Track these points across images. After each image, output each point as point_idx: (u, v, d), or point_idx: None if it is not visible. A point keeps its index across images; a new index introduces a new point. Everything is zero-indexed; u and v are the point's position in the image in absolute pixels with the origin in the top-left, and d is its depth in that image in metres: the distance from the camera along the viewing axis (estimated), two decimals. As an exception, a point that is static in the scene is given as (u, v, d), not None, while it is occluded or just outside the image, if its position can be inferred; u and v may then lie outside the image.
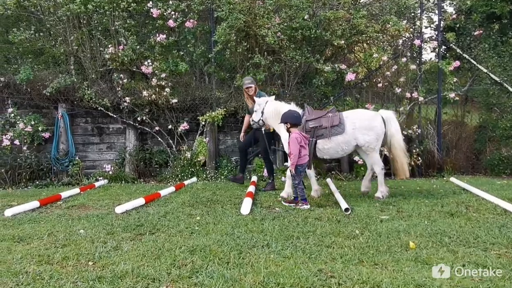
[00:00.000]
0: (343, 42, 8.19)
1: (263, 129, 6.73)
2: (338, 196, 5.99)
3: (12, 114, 8.46)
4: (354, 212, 5.17)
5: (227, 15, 7.95)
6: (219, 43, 8.14)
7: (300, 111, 6.10)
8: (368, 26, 8.20)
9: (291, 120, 5.60)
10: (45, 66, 9.05)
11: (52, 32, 8.78)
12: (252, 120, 6.62)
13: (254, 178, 7.94)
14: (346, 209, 5.16)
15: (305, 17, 8.12)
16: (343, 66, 8.37)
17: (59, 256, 3.56)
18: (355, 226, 4.50)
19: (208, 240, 3.99)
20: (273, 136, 7.15)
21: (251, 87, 7.11)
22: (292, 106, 6.22)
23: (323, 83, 8.43)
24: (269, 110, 6.28)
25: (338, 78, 8.63)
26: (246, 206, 5.31)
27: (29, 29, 8.46)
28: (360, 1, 9.50)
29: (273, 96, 6.66)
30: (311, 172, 6.33)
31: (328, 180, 7.87)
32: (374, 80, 8.76)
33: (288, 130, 5.67)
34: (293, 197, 5.92)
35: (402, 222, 4.61)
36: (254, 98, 6.77)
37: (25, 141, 8.39)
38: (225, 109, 8.42)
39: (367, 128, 5.94)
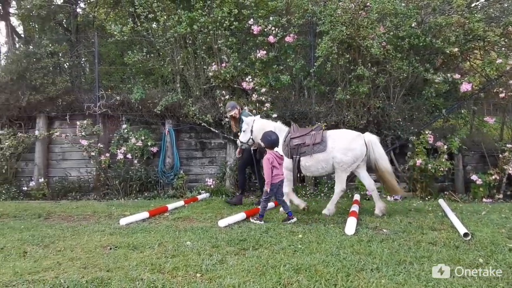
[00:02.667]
0: (456, 49, 7.52)
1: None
2: (454, 219, 5.42)
3: (126, 130, 9.15)
4: (475, 238, 4.60)
5: (329, 28, 7.76)
6: (321, 57, 7.96)
7: (286, 128, 6.37)
8: (487, 30, 7.40)
9: (264, 141, 5.79)
10: (154, 85, 9.68)
11: (161, 53, 9.39)
12: (240, 141, 6.73)
13: (357, 197, 7.54)
14: (466, 234, 4.63)
15: (413, 25, 7.63)
16: (457, 76, 7.65)
17: (169, 266, 3.63)
18: (478, 253, 3.99)
19: (313, 259, 3.81)
20: (256, 154, 7.19)
21: (233, 112, 7.33)
22: (278, 124, 6.47)
23: (434, 94, 7.78)
24: (257, 128, 6.44)
25: (450, 89, 7.90)
26: (350, 226, 5.03)
27: (141, 51, 9.14)
28: (476, 4, 8.66)
29: (259, 116, 6.87)
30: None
31: (441, 201, 7.18)
32: (495, 90, 7.86)
33: (265, 149, 5.84)
34: (287, 213, 5.79)
35: (539, 253, 3.98)
36: (242, 117, 6.87)
37: (136, 155, 8.99)
38: (325, 123, 8.17)
39: (346, 148, 5.92)
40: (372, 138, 6.10)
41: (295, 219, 5.66)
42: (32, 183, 9.30)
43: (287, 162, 6.12)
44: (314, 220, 5.71)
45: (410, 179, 8.23)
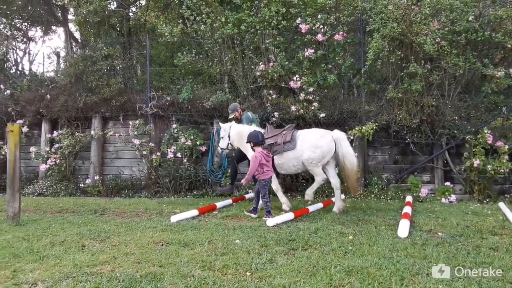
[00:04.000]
0: (519, 43, 7.06)
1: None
2: (517, 223, 5.08)
3: (176, 130, 9.37)
4: (542, 245, 4.27)
5: (379, 25, 7.54)
6: (371, 54, 7.75)
7: (261, 130, 6.53)
8: (555, 21, 6.91)
9: (252, 140, 6.12)
10: (202, 86, 9.84)
11: (209, 54, 9.54)
12: (221, 148, 7.08)
13: (409, 198, 7.27)
14: (530, 240, 4.31)
15: (470, 19, 7.24)
16: (520, 71, 7.20)
17: (219, 263, 3.66)
18: (547, 262, 3.70)
19: (364, 261, 3.72)
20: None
21: (234, 114, 7.61)
22: (253, 126, 6.79)
23: (494, 91, 7.35)
24: (233, 133, 6.82)
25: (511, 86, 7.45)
26: (403, 228, 4.87)
27: (190, 53, 9.32)
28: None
29: (233, 121, 7.23)
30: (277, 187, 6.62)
31: (501, 204, 6.78)
32: None
33: (253, 149, 6.15)
34: (252, 208, 6.21)
35: None
36: (220, 124, 7.27)
37: (186, 154, 9.18)
38: (375, 123, 7.95)
39: (314, 146, 6.20)
40: (340, 135, 6.31)
41: (256, 215, 6.02)
42: (88, 181, 9.75)
43: None
44: (365, 222, 5.57)
45: (467, 180, 7.85)
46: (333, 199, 7.43)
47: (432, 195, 7.98)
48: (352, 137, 8.23)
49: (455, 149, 8.10)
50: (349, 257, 3.89)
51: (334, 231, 4.98)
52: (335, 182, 6.38)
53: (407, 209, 5.97)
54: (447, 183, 7.96)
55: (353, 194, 6.86)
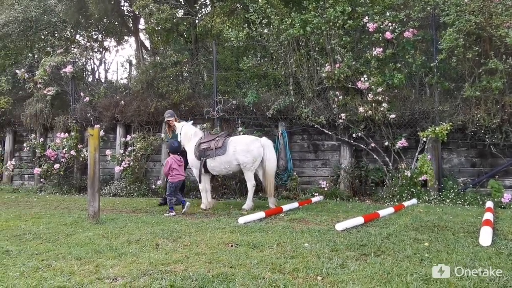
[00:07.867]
0: None
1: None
2: None
3: (241, 133, 9.48)
4: None
5: (454, 19, 7.11)
6: (444, 51, 7.32)
7: (201, 133, 7.60)
8: None
9: (168, 148, 7.34)
10: (267, 88, 9.88)
11: (274, 57, 9.56)
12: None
13: (490, 204, 6.76)
14: None
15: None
16: None
17: (289, 266, 3.63)
18: None
19: (443, 270, 3.46)
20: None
21: (170, 119, 8.09)
22: (197, 130, 7.78)
23: None
24: (183, 133, 7.66)
25: None
26: (486, 236, 4.51)
27: (255, 56, 9.41)
28: None
29: (191, 122, 8.00)
30: (207, 187, 7.52)
31: None
32: None
33: (169, 154, 7.20)
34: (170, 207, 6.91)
35: None
36: (175, 123, 7.97)
37: (251, 156, 9.22)
38: (450, 123, 7.50)
39: (245, 151, 7.02)
40: (267, 142, 7.22)
41: (173, 213, 6.72)
42: (159, 182, 10.15)
43: (196, 163, 7.30)
44: (441, 228, 5.25)
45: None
46: (405, 203, 7.16)
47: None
48: (424, 139, 7.83)
49: (543, 150, 7.42)
50: (426, 264, 3.68)
51: (408, 237, 4.74)
52: (251, 185, 7.27)
53: (489, 216, 5.54)
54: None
55: (268, 195, 7.25)
